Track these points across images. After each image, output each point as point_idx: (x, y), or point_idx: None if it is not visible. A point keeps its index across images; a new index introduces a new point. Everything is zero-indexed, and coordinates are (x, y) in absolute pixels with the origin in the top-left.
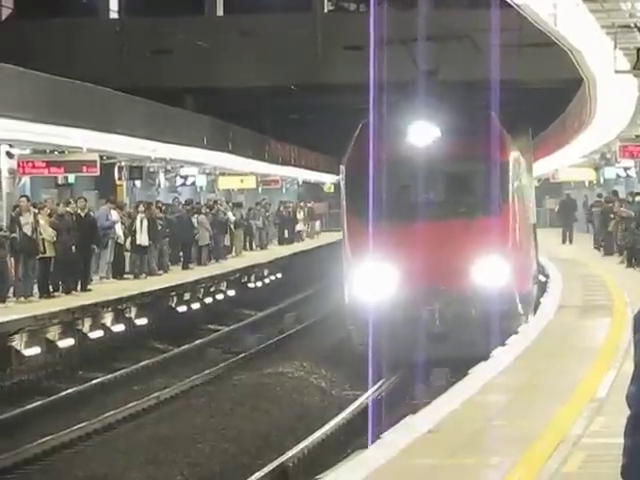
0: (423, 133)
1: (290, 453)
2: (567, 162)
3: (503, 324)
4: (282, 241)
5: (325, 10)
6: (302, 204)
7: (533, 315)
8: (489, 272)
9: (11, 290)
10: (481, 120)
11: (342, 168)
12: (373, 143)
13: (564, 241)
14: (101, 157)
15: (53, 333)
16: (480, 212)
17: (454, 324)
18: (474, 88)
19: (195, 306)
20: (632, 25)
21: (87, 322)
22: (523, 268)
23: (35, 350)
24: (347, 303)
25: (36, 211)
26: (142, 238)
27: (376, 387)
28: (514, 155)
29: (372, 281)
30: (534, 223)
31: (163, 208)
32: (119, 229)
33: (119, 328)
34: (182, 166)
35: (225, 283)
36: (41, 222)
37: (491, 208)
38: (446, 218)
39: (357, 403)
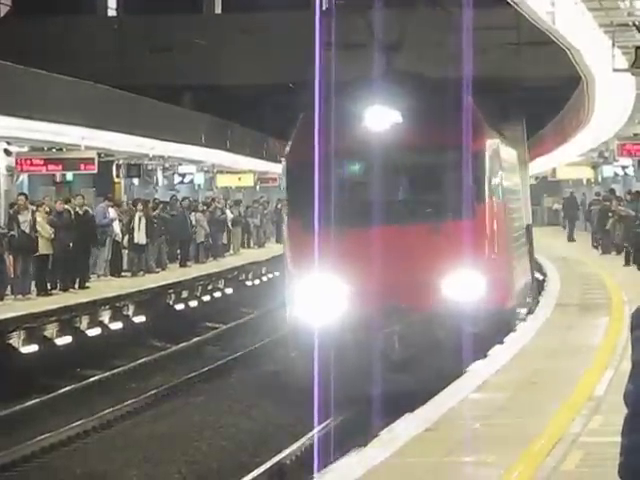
0: (379, 119)
1: None
2: (565, 160)
3: (477, 349)
4: (280, 239)
5: (324, 8)
6: None
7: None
8: (460, 287)
9: (9, 288)
10: (451, 103)
11: (283, 163)
12: (319, 132)
13: (570, 239)
14: (99, 155)
15: (51, 331)
16: (449, 214)
17: (418, 350)
18: (446, 65)
19: (193, 304)
20: (630, 23)
21: (85, 320)
22: (505, 281)
23: (32, 348)
24: (288, 325)
25: (34, 209)
26: (140, 236)
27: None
28: (493, 145)
29: (318, 299)
30: (528, 224)
31: (160, 206)
32: (117, 227)
33: (117, 326)
34: (180, 164)
35: (223, 281)
36: (39, 220)
37: (462, 209)
38: (408, 222)
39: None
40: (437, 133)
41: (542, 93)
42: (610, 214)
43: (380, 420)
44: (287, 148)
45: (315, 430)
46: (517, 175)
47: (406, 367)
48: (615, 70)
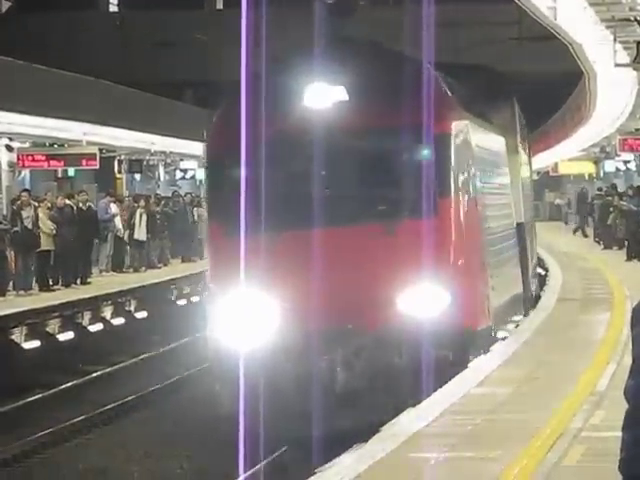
0: (320, 96)
1: None
2: (567, 155)
3: (439, 377)
4: None
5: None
6: None
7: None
8: (419, 303)
9: (10, 284)
10: (409, 76)
11: (204, 152)
12: (246, 114)
13: (585, 234)
14: (101, 150)
15: (53, 326)
16: (406, 212)
17: (367, 380)
18: (405, 29)
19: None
20: (632, 18)
21: (87, 315)
22: (476, 294)
23: (35, 343)
24: (209, 350)
25: (36, 204)
26: (140, 233)
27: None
28: (463, 128)
29: (244, 319)
30: (520, 222)
31: (163, 202)
32: (118, 222)
33: (119, 321)
34: (182, 159)
35: None
36: (40, 215)
37: (422, 206)
38: (354, 223)
39: None
40: (390, 113)
41: (544, 88)
42: (611, 209)
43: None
44: (208, 134)
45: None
46: (503, 165)
47: (352, 401)
48: (617, 65)
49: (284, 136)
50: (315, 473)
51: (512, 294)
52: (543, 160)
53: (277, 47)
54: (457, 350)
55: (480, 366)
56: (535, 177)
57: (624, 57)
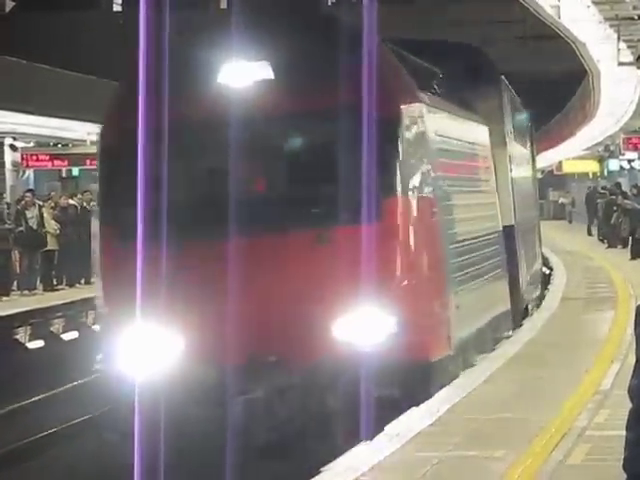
0: (235, 74)
1: None
2: (571, 154)
3: (382, 417)
4: None
5: (329, 3)
6: None
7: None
8: (358, 330)
9: (15, 283)
10: (349, 49)
11: (98, 145)
12: (146, 95)
13: (590, 233)
14: None
15: (57, 326)
16: (342, 217)
17: (293, 423)
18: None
19: None
20: (635, 17)
21: (91, 315)
22: (433, 318)
23: (39, 343)
24: (103, 391)
25: (41, 204)
26: None
27: None
28: (419, 112)
29: (141, 353)
30: (509, 226)
31: None
32: None
33: None
34: None
35: None
36: (45, 215)
37: (362, 208)
38: (278, 230)
39: None
40: (324, 93)
41: (548, 87)
42: (615, 208)
43: None
44: (104, 117)
45: None
46: (484, 158)
47: (277, 452)
48: (620, 64)
49: (193, 123)
50: (320, 472)
51: (492, 312)
52: (547, 159)
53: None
54: (405, 387)
55: (484, 365)
56: (539, 176)
57: (628, 56)
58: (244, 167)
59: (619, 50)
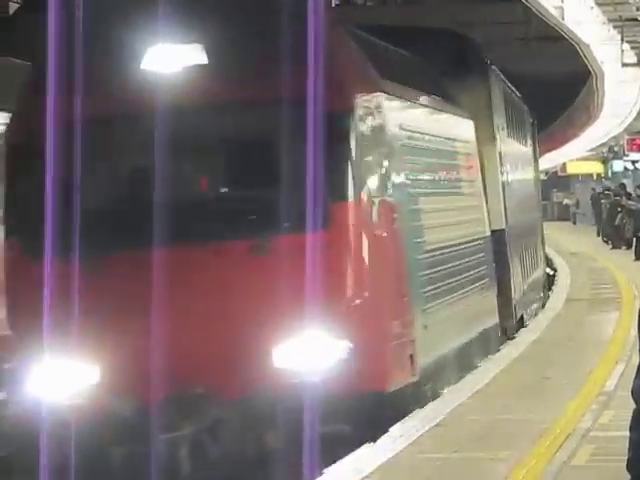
0: (162, 61)
1: None
2: (575, 155)
3: (334, 457)
4: None
5: (332, 4)
6: None
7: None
8: (302, 357)
9: None
10: (293, 31)
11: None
12: (55, 89)
13: (600, 235)
14: None
15: None
16: (284, 225)
17: (227, 467)
18: None
19: None
20: (639, 18)
21: None
22: (394, 339)
23: None
24: (4, 431)
25: None
26: None
27: None
28: (378, 103)
29: (52, 385)
30: (499, 230)
31: None
32: None
33: None
34: None
35: None
36: None
37: (308, 215)
38: (209, 239)
39: None
40: (263, 82)
41: (552, 88)
42: (619, 209)
43: None
44: (9, 120)
45: None
46: (470, 157)
47: None
48: (624, 65)
49: (112, 117)
50: (322, 473)
51: (475, 328)
52: (551, 160)
53: None
54: (357, 422)
55: (489, 366)
56: (543, 177)
57: (631, 57)
58: (169, 167)
59: (623, 51)
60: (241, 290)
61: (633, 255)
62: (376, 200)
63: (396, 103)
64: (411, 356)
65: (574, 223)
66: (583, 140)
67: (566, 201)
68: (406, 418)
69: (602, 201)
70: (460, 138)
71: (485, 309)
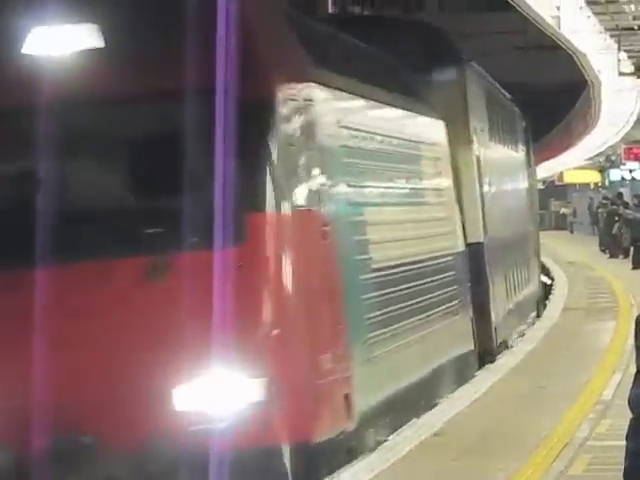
0: (45, 45)
1: None
2: (572, 164)
3: None
4: None
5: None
6: None
7: None
8: (208, 401)
9: None
10: (199, 7)
11: None
12: None
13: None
14: None
15: None
16: (186, 240)
17: None
18: None
19: None
20: (636, 27)
21: None
22: (325, 379)
23: None
24: None
25: None
26: None
27: None
28: (308, 96)
29: None
30: (475, 243)
31: None
32: None
33: None
34: None
35: None
36: None
37: (214, 230)
38: (93, 257)
39: None
40: (161, 70)
41: (549, 97)
42: (617, 218)
43: None
44: None
45: None
46: (439, 162)
47: None
48: (621, 74)
49: None
50: None
51: (440, 358)
52: (548, 169)
53: None
54: (273, 479)
55: (486, 375)
56: (541, 186)
57: (628, 66)
58: (47, 170)
59: (619, 60)
60: (135, 320)
61: (630, 264)
62: (301, 210)
63: (336, 97)
64: (346, 396)
65: (571, 232)
66: (580, 149)
67: (563, 210)
68: (403, 428)
69: (599, 210)
70: (426, 140)
71: (456, 335)
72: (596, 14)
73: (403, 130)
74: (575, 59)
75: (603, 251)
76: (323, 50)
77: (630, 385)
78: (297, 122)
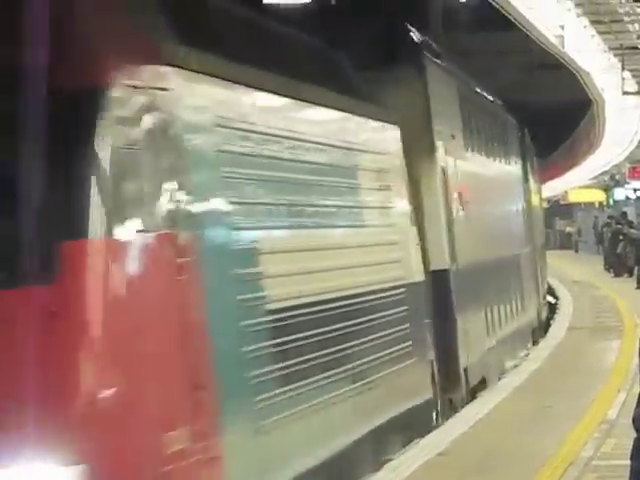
0: None
1: None
2: (577, 183)
3: None
4: None
5: None
6: None
7: None
8: None
9: None
10: None
11: None
12: None
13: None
14: None
15: None
16: None
17: None
18: None
19: None
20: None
21: None
22: (195, 461)
23: None
24: None
25: None
26: None
27: None
28: (162, 82)
29: None
30: (440, 271)
31: None
32: None
33: None
34: None
35: None
36: None
37: (16, 262)
38: None
39: None
40: None
41: (553, 116)
42: (621, 237)
43: None
44: None
45: None
46: (383, 175)
47: None
48: (625, 93)
49: None
50: None
51: (376, 418)
52: (553, 188)
53: None
54: None
55: (491, 395)
56: (545, 205)
57: (632, 85)
58: None
59: (623, 79)
60: None
61: (635, 283)
62: (147, 236)
63: (215, 87)
64: None
65: (576, 251)
66: (585, 168)
67: (568, 229)
68: (408, 447)
69: (604, 229)
70: (366, 148)
71: (404, 385)
72: (600, 33)
73: (330, 135)
74: (579, 78)
75: (608, 270)
76: (203, 27)
77: (635, 404)
78: (143, 119)
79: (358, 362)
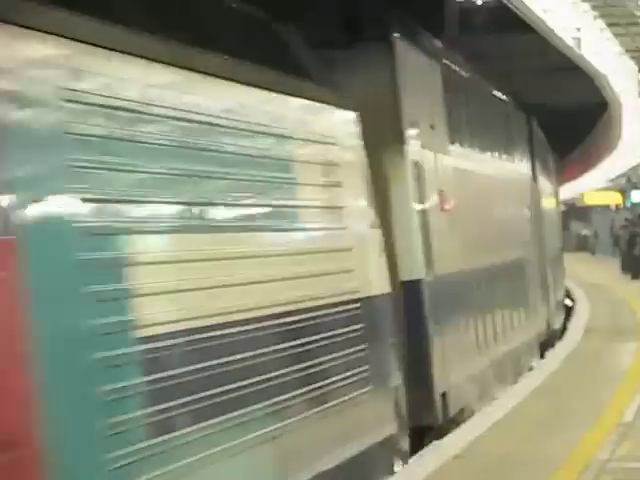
0: None
1: None
2: (593, 186)
3: None
4: None
5: None
6: None
7: None
8: None
9: None
10: None
11: None
12: None
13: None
14: None
15: None
16: None
17: None
18: None
19: None
20: None
21: None
22: None
23: None
24: None
25: None
26: None
27: None
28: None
29: None
30: (380, 294)
31: None
32: None
33: None
34: None
35: None
36: None
37: None
38: None
39: None
40: None
41: (569, 119)
42: (638, 239)
43: None
44: None
45: None
46: (331, 169)
47: None
48: None
49: None
50: None
51: (319, 464)
52: (569, 190)
53: None
54: None
55: (507, 398)
56: (562, 208)
57: None
58: None
59: None
60: None
61: None
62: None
63: (57, 50)
64: None
65: (593, 254)
66: (601, 171)
67: (585, 232)
68: (424, 450)
69: (621, 232)
70: (305, 136)
71: (357, 419)
72: (617, 36)
73: (250, 119)
74: (595, 80)
75: (624, 272)
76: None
77: None
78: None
79: (279, 398)
